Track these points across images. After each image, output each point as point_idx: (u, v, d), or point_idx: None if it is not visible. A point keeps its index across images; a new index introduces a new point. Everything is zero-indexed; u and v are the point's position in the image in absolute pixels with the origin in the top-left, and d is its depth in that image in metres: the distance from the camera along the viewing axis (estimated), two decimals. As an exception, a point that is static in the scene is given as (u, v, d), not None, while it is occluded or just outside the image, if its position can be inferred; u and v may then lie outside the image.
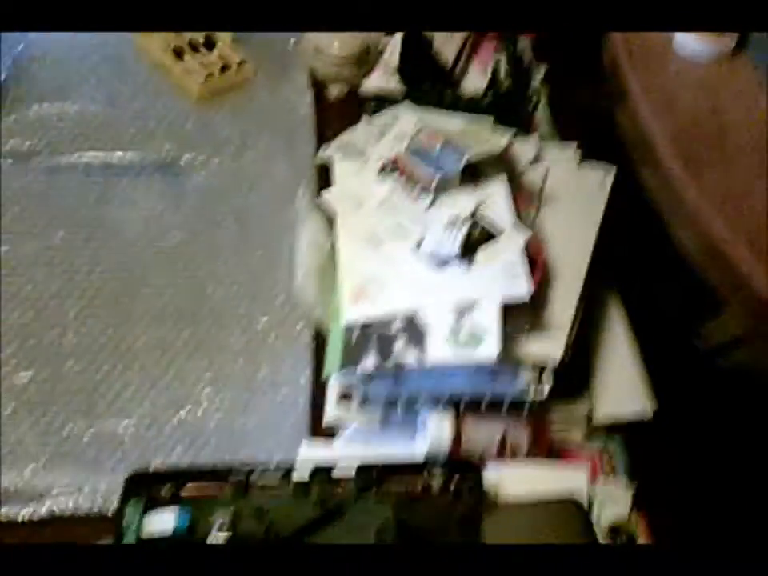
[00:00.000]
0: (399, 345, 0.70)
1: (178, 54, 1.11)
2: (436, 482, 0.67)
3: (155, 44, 1.12)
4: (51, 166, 0.96)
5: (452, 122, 0.87)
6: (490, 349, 0.68)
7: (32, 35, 1.16)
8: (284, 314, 0.85)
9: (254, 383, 0.80)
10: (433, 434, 0.71)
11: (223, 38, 1.12)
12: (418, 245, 0.76)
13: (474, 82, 1.01)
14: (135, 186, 0.95)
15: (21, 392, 0.77)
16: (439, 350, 0.69)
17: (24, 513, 0.71)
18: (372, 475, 0.67)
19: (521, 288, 0.71)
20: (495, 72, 0.99)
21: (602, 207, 0.82)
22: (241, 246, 0.91)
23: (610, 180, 0.84)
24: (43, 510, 0.71)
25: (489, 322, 0.69)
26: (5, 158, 0.96)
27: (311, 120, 1.04)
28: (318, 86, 1.08)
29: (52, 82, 1.00)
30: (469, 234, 0.75)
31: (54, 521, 0.71)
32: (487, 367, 0.69)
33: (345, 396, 0.75)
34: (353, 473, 0.68)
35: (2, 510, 0.71)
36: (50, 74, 1.05)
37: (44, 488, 0.72)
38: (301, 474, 0.68)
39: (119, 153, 0.97)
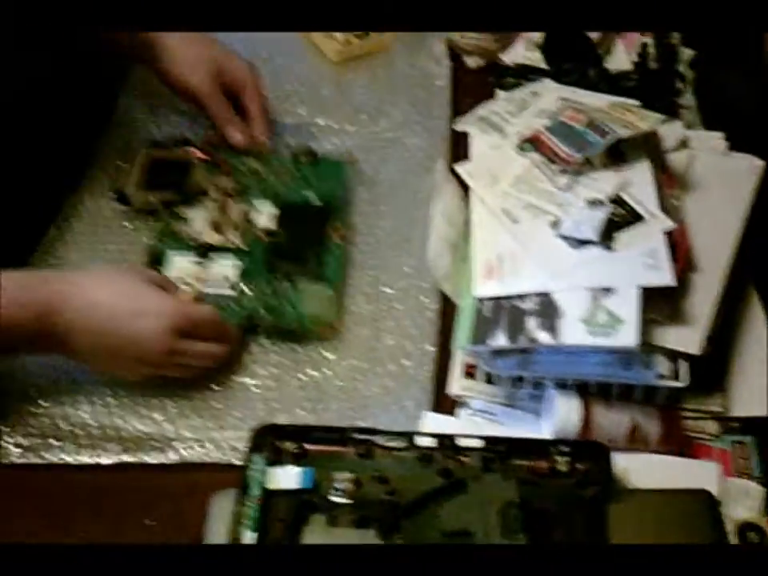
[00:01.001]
0: (531, 323, 0.70)
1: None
2: (563, 464, 0.66)
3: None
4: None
5: (596, 101, 0.86)
6: (627, 336, 0.66)
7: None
8: (411, 284, 0.85)
9: (378, 352, 0.80)
10: (561, 415, 0.70)
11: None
12: (555, 224, 0.75)
13: (619, 61, 0.99)
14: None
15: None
16: (574, 332, 0.68)
17: (152, 458, 0.73)
18: (498, 450, 0.67)
19: (663, 276, 0.69)
20: (642, 54, 0.96)
21: (747, 200, 0.79)
22: (371, 213, 0.91)
23: (757, 172, 0.81)
24: (171, 456, 0.73)
25: (628, 308, 0.68)
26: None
27: (448, 90, 1.03)
28: (456, 57, 1.07)
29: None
30: (609, 217, 0.74)
31: (181, 467, 0.73)
32: (622, 353, 0.68)
33: (470, 370, 0.75)
34: (477, 445, 0.67)
35: (132, 454, 0.73)
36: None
37: (172, 436, 0.74)
38: (424, 442, 0.68)
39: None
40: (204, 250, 0.84)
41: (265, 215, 0.88)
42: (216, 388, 0.78)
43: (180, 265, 0.83)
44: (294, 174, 0.92)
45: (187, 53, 0.89)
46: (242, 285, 0.82)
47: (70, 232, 0.89)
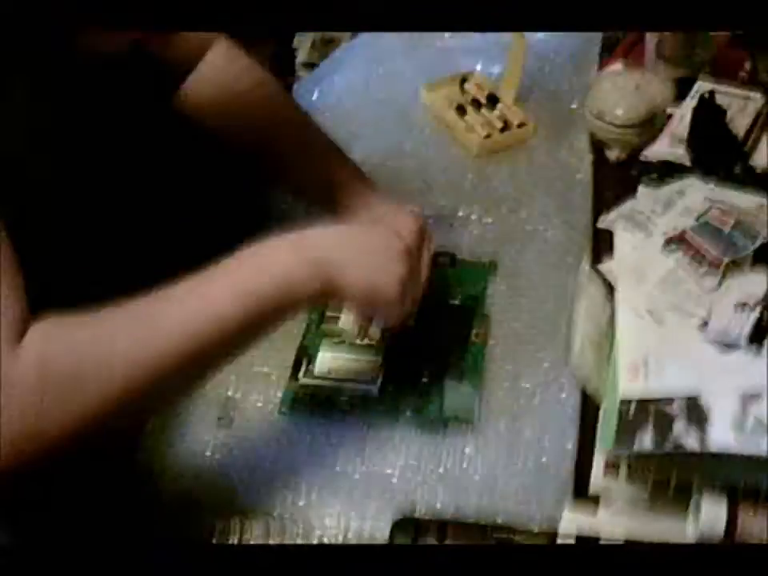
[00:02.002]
0: (679, 426, 0.69)
1: (461, 110, 1.15)
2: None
3: (440, 100, 1.17)
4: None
5: (744, 199, 0.85)
6: (776, 444, 0.65)
7: (325, 86, 1.26)
8: (550, 380, 0.84)
9: (516, 446, 0.80)
10: (706, 519, 0.68)
11: (505, 98, 1.15)
12: (703, 325, 0.75)
13: (765, 158, 0.98)
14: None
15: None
16: (723, 436, 0.67)
17: (294, 542, 0.75)
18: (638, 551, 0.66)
19: (814, 384, 0.68)
20: (790, 152, 0.96)
21: None
22: (509, 306, 0.92)
23: None
24: (317, 540, 0.75)
25: (777, 416, 0.67)
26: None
27: (589, 184, 1.04)
28: (598, 150, 1.08)
29: (340, 130, 1.05)
30: (759, 319, 0.73)
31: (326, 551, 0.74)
32: (772, 459, 0.67)
33: (613, 467, 0.75)
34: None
35: (275, 539, 0.75)
36: (339, 122, 1.10)
37: (313, 523, 0.76)
38: (564, 540, 0.67)
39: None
40: (349, 347, 0.87)
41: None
42: (356, 476, 0.79)
43: (327, 361, 0.87)
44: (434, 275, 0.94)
45: (366, 217, 0.89)
46: (383, 380, 0.84)
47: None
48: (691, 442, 0.68)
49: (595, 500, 0.75)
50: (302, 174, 0.91)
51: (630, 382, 0.73)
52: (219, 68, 0.88)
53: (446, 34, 1.31)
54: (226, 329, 0.63)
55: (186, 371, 0.62)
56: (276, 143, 0.89)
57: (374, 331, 0.87)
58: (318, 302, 0.71)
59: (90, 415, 0.56)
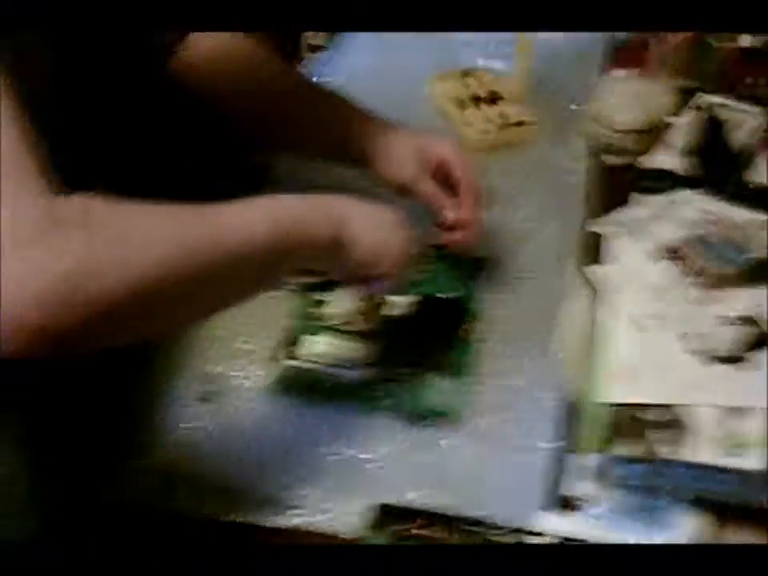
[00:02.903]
0: (659, 436, 0.70)
1: (462, 104, 1.15)
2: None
3: (444, 93, 1.17)
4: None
5: (738, 214, 0.86)
6: (758, 459, 0.66)
7: (329, 70, 1.26)
8: (534, 378, 0.85)
9: (497, 442, 0.80)
10: (688, 534, 0.69)
11: (507, 96, 1.15)
12: (686, 338, 0.75)
13: (760, 175, 0.98)
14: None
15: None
16: (703, 450, 0.68)
17: (271, 522, 0.75)
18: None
19: (794, 402, 0.69)
20: (787, 169, 0.96)
21: None
22: (496, 303, 0.93)
23: None
24: (285, 523, 0.75)
25: (759, 431, 0.67)
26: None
27: (583, 188, 1.04)
28: (594, 154, 1.09)
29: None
30: (740, 336, 0.73)
31: (294, 535, 0.75)
32: (755, 475, 0.67)
33: (591, 474, 0.75)
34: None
35: (253, 516, 0.75)
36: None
37: (288, 503, 0.76)
38: (536, 540, 0.68)
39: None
40: (335, 332, 0.87)
41: (399, 303, 0.90)
42: (334, 460, 0.79)
43: (312, 344, 0.87)
44: (428, 266, 0.94)
45: (395, 150, 0.91)
46: (368, 369, 0.84)
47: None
48: (668, 451, 0.69)
49: (571, 502, 0.75)
50: (311, 132, 0.92)
51: (612, 389, 0.74)
52: (211, 37, 0.89)
53: (453, 27, 1.31)
54: (251, 244, 0.62)
55: (210, 284, 0.60)
56: (277, 107, 0.90)
57: (361, 318, 0.88)
58: (326, 255, 0.71)
59: (130, 283, 0.53)
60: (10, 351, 0.50)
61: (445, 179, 0.92)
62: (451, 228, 0.92)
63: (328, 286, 0.92)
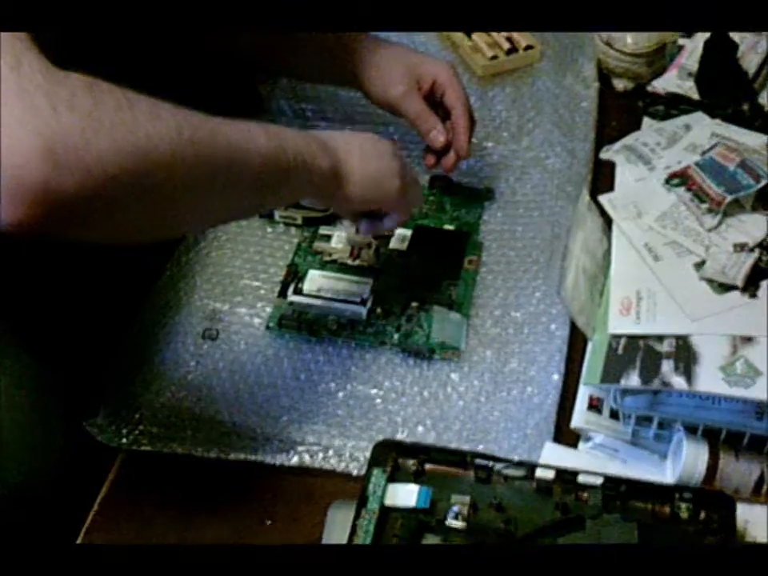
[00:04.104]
0: (666, 366, 0.68)
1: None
2: (685, 510, 0.65)
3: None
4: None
5: (751, 138, 0.83)
6: (764, 389, 0.65)
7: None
8: (541, 310, 0.84)
9: (502, 376, 0.80)
10: (687, 461, 0.68)
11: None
12: (699, 266, 0.74)
13: (775, 98, 0.96)
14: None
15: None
16: (710, 379, 0.67)
17: (275, 459, 0.75)
18: (619, 490, 0.66)
19: (807, 329, 0.67)
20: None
21: None
22: (504, 233, 0.91)
23: None
24: (293, 460, 0.75)
25: (766, 360, 0.66)
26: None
27: (593, 113, 1.01)
28: (604, 78, 1.05)
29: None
30: (755, 264, 0.72)
31: (302, 471, 0.74)
32: (756, 404, 0.66)
33: (596, 404, 0.74)
34: (598, 483, 0.66)
35: (257, 453, 0.75)
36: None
37: (297, 439, 0.76)
38: (544, 474, 0.67)
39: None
40: (340, 267, 0.87)
41: (398, 237, 0.89)
42: (340, 396, 0.79)
43: (316, 279, 0.85)
44: (428, 198, 0.93)
45: (384, 67, 0.88)
46: (373, 303, 0.83)
47: (214, 234, 0.92)
48: (679, 382, 0.67)
49: (577, 434, 0.75)
50: (304, 53, 0.90)
51: (621, 317, 0.73)
52: None
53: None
54: (252, 148, 0.61)
55: (210, 179, 0.58)
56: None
57: (366, 252, 0.86)
58: (325, 186, 0.70)
59: (135, 152, 0.50)
60: (9, 216, 0.47)
61: (438, 101, 0.89)
62: (439, 152, 0.89)
63: (332, 220, 0.91)
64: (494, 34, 1.10)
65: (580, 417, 0.75)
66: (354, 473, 0.73)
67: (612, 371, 0.70)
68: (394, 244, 0.88)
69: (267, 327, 0.83)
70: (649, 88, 1.01)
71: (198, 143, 0.55)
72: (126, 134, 0.50)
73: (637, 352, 0.70)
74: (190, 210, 0.59)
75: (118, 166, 0.49)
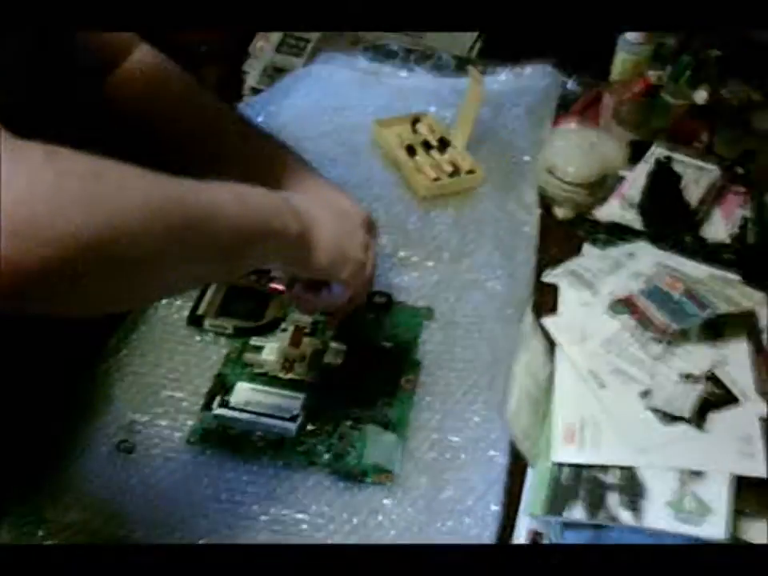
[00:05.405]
0: (613, 499, 0.65)
1: (412, 151, 1.12)
2: None
3: (391, 138, 1.14)
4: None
5: (695, 271, 0.83)
6: (716, 527, 0.61)
7: (271, 111, 1.21)
8: (480, 435, 0.80)
9: (437, 503, 0.75)
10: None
11: (457, 143, 1.12)
12: (644, 395, 0.71)
13: (716, 231, 0.96)
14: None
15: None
16: (659, 515, 0.64)
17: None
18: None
19: (757, 467, 0.65)
20: (742, 227, 0.94)
21: None
22: (443, 354, 0.88)
23: None
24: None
25: (717, 497, 0.63)
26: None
27: (535, 238, 1.01)
28: (545, 205, 1.05)
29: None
30: (704, 395, 0.70)
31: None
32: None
33: (536, 538, 0.70)
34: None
35: None
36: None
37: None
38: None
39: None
40: (271, 380, 0.82)
41: (333, 351, 0.85)
42: (263, 519, 0.73)
43: (245, 392, 0.81)
44: (367, 315, 0.90)
45: None
46: (304, 420, 0.79)
47: (137, 339, 0.87)
48: (626, 516, 0.64)
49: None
50: (237, 164, 0.87)
51: (564, 446, 0.70)
52: (144, 64, 0.85)
53: (402, 73, 1.29)
54: (219, 214, 0.59)
55: (178, 245, 0.56)
56: (204, 138, 0.86)
57: (299, 365, 0.83)
58: (291, 255, 0.69)
59: (103, 230, 0.48)
60: None
61: None
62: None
63: (264, 331, 0.87)
64: (438, 156, 1.10)
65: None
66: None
67: (555, 502, 0.67)
68: (328, 358, 0.85)
69: (188, 441, 0.78)
70: (590, 216, 1.01)
71: (167, 213, 0.54)
72: (92, 207, 0.48)
73: (582, 483, 0.67)
74: (157, 279, 0.57)
75: (84, 240, 0.47)
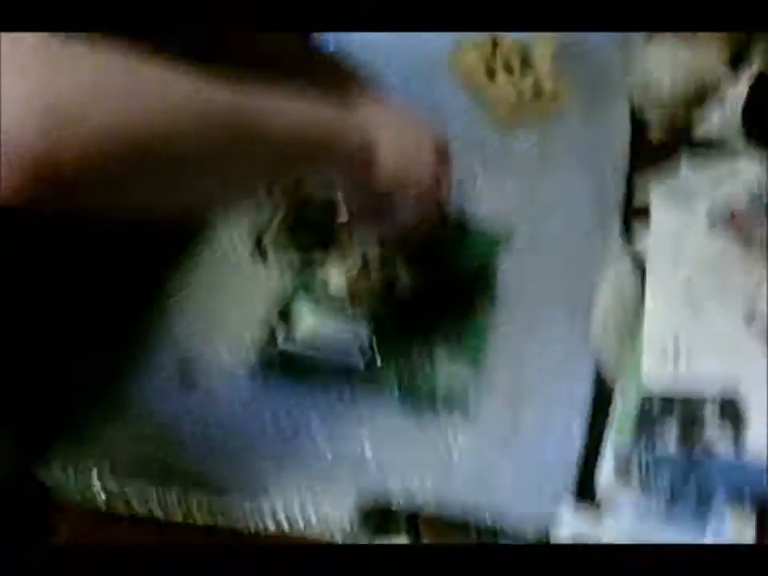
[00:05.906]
0: (709, 428, 0.59)
1: (492, 74, 1.05)
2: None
3: (470, 63, 1.07)
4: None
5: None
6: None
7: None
8: (562, 359, 0.75)
9: (518, 426, 0.71)
10: (732, 535, 0.60)
11: (540, 61, 1.05)
12: (748, 317, 0.64)
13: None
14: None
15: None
16: (762, 444, 0.58)
17: (248, 526, 0.68)
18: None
19: None
20: None
21: None
22: (524, 276, 0.83)
23: None
24: (270, 527, 0.67)
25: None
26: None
27: (626, 157, 0.93)
28: (640, 122, 0.97)
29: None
30: (814, 317, 0.62)
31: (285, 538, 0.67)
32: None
33: (625, 465, 0.64)
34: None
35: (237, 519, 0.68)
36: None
37: (273, 497, 0.68)
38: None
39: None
40: (337, 313, 0.78)
41: (408, 281, 0.80)
42: (328, 454, 0.71)
43: (310, 324, 0.77)
44: (442, 243, 0.85)
45: None
46: (373, 351, 0.75)
47: (199, 275, 0.84)
48: (724, 448, 0.58)
49: (600, 505, 0.66)
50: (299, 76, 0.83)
51: (656, 370, 0.64)
52: None
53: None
54: (271, 122, 0.56)
55: (222, 144, 0.53)
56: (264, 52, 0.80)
57: (367, 296, 0.78)
58: (351, 162, 0.66)
59: (142, 127, 0.46)
60: (6, 187, 0.42)
61: None
62: None
63: (333, 262, 0.82)
64: (519, 78, 1.04)
65: (605, 486, 0.66)
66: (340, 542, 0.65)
67: (644, 432, 0.61)
68: (398, 289, 0.80)
69: (252, 376, 0.76)
70: (686, 135, 0.93)
71: (214, 117, 0.52)
72: (131, 104, 0.46)
73: (674, 413, 0.61)
74: (200, 183, 0.55)
75: (121, 139, 0.45)
